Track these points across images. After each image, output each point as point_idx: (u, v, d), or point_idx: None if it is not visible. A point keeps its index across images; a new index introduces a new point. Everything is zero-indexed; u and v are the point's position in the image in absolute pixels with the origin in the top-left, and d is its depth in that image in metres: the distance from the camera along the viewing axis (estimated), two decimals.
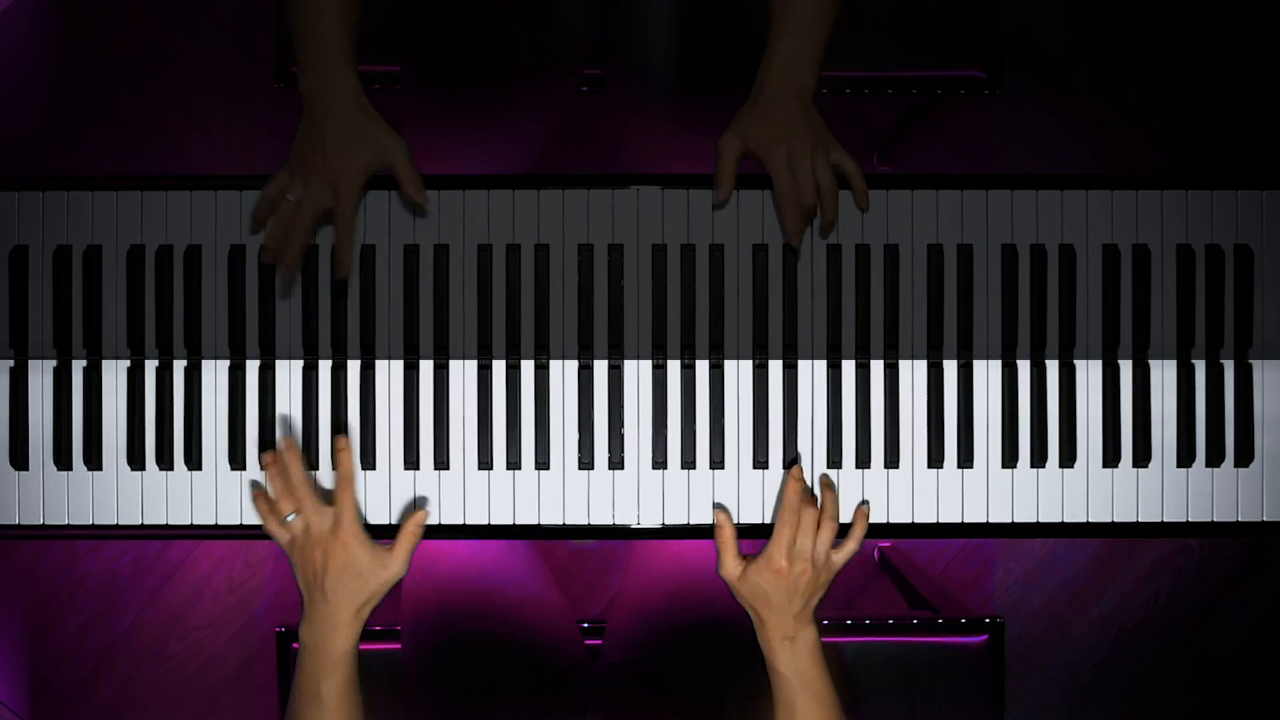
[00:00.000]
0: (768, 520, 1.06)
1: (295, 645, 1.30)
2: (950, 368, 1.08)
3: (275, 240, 1.01)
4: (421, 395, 1.06)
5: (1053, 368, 1.08)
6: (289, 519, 0.98)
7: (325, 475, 1.06)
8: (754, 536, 1.05)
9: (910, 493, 1.07)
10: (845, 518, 1.06)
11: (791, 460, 1.07)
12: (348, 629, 0.96)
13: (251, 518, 1.06)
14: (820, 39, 1.03)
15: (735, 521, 1.07)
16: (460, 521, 1.07)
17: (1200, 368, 1.08)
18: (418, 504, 1.06)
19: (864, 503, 1.06)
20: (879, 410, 1.07)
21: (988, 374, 1.08)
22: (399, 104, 1.27)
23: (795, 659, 0.97)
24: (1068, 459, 1.07)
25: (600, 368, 1.07)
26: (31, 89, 1.88)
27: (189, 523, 1.06)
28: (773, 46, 1.03)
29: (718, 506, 1.06)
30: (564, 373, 1.07)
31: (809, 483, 1.07)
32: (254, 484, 1.06)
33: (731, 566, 1.00)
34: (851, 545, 1.01)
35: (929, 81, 1.42)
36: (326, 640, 0.96)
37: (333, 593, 0.96)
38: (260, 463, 1.03)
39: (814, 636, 0.98)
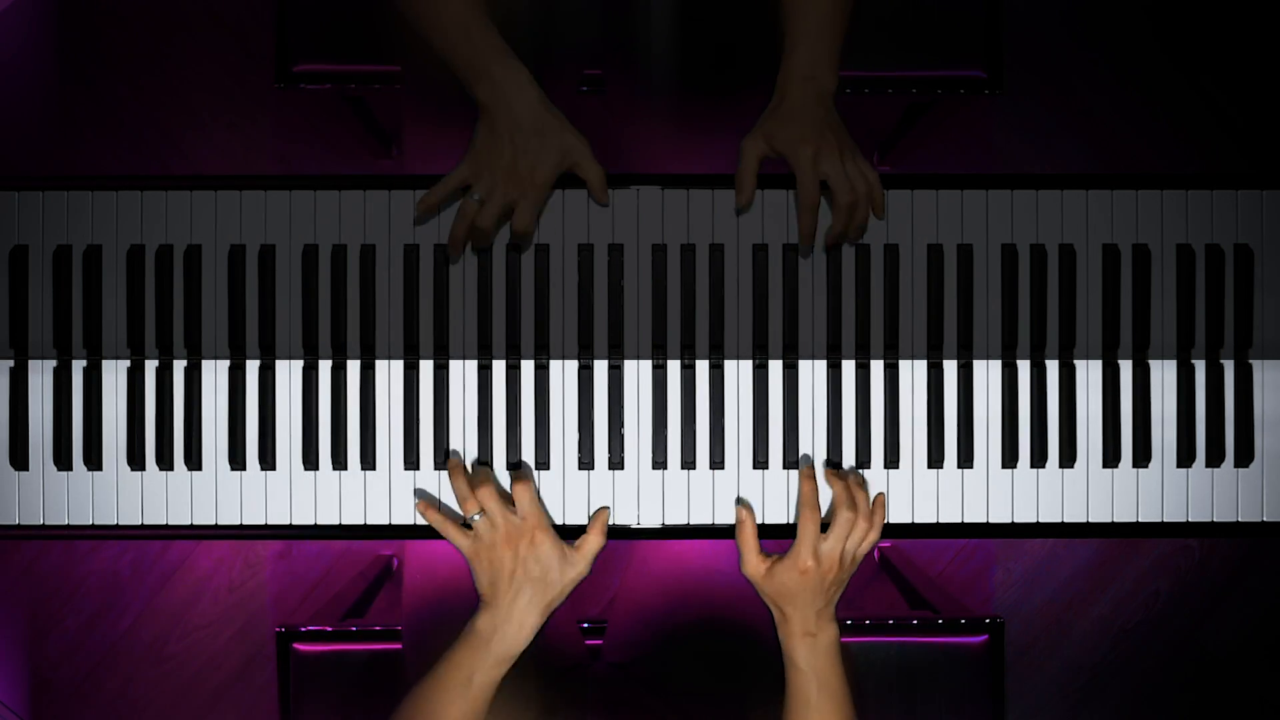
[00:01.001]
0: (768, 521, 1.06)
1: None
2: (950, 368, 1.08)
3: (458, 237, 1.03)
4: (421, 395, 1.06)
5: (1053, 368, 1.08)
6: (473, 519, 0.98)
7: (326, 476, 1.06)
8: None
9: (910, 493, 1.07)
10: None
11: (828, 464, 1.06)
12: (529, 630, 0.97)
13: (251, 518, 1.06)
14: (837, 40, 1.03)
15: (736, 522, 1.06)
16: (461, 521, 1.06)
17: (1200, 368, 1.08)
18: (605, 507, 1.05)
19: (879, 493, 1.06)
20: (879, 410, 1.07)
21: (988, 374, 1.08)
22: (400, 104, 1.27)
23: (815, 655, 0.97)
24: (1068, 459, 1.07)
25: (600, 368, 1.07)
26: (31, 89, 1.88)
27: (189, 523, 1.06)
28: (791, 51, 1.03)
29: (740, 502, 1.06)
30: (564, 373, 1.07)
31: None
32: (419, 493, 1.05)
33: (755, 564, 0.99)
34: (873, 535, 1.01)
35: (929, 81, 1.42)
36: (504, 637, 0.96)
37: (523, 592, 0.96)
38: (448, 466, 1.03)
39: (835, 634, 0.98)
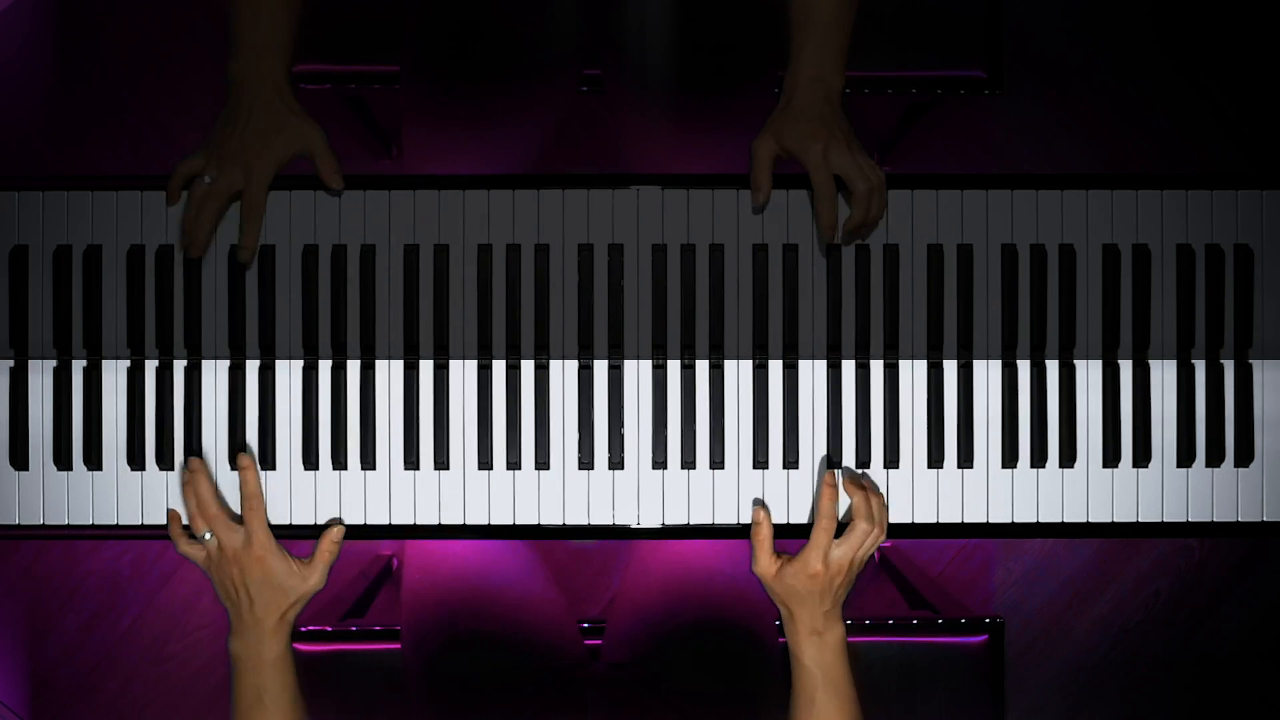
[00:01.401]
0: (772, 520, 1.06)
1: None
2: (950, 368, 1.08)
3: (189, 220, 1.03)
4: (421, 395, 1.06)
5: (1053, 368, 1.08)
6: (205, 537, 1.00)
7: (326, 476, 1.06)
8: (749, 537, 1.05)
9: (910, 493, 1.07)
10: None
11: (826, 461, 1.06)
12: (275, 636, 0.98)
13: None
14: (844, 41, 1.05)
15: (736, 522, 1.07)
16: (460, 521, 1.06)
17: (1200, 368, 1.08)
18: (335, 520, 1.06)
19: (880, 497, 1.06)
20: (879, 410, 1.07)
21: (988, 374, 1.08)
22: (399, 104, 1.27)
23: (821, 653, 0.98)
24: (1068, 459, 1.07)
25: (600, 368, 1.07)
26: (31, 89, 1.88)
27: (189, 523, 1.06)
28: (798, 53, 1.04)
29: (757, 503, 1.06)
30: (564, 373, 1.07)
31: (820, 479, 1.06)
32: (170, 509, 1.05)
33: (766, 564, 1.00)
34: (878, 533, 1.01)
35: (929, 81, 1.42)
36: (257, 650, 0.98)
37: (254, 605, 0.98)
38: (181, 479, 1.04)
39: (841, 633, 1.00)
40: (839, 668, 0.99)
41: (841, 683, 0.99)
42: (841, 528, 1.01)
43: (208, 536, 1.00)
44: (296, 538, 1.04)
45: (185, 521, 1.04)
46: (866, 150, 1.04)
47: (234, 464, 1.05)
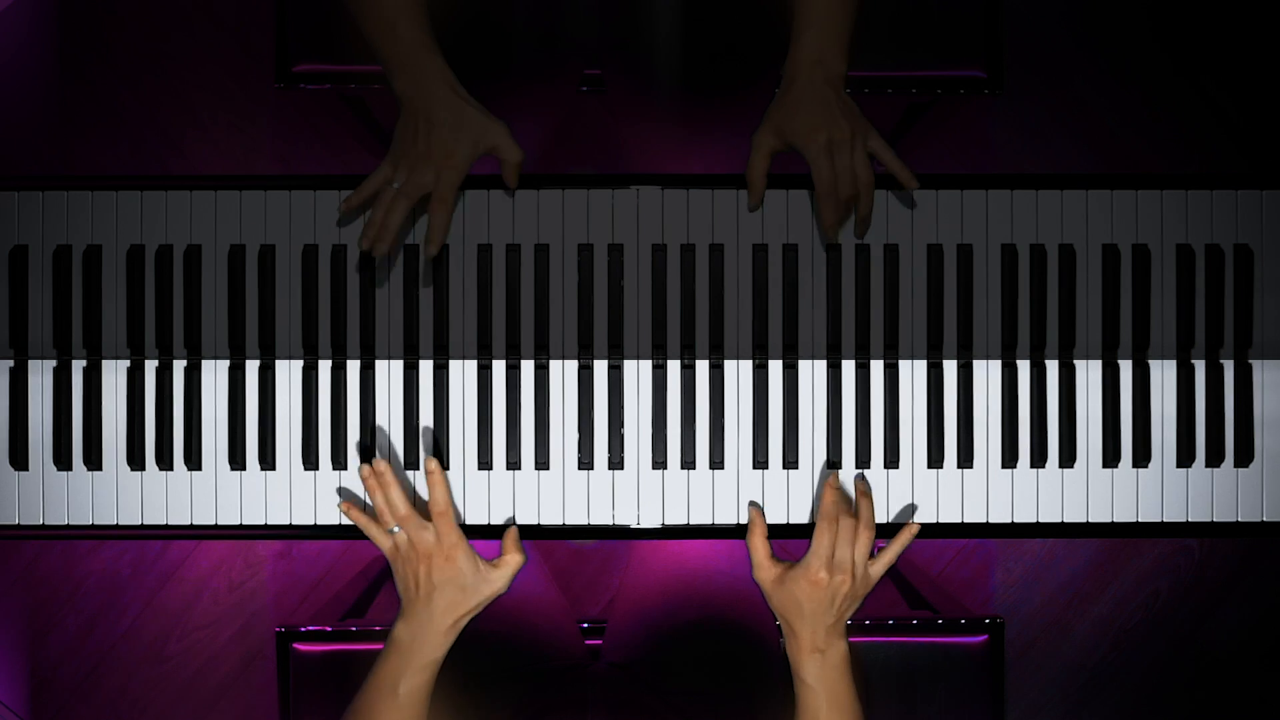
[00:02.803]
0: (768, 521, 1.06)
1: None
2: (950, 368, 1.08)
3: (375, 225, 1.02)
4: (421, 395, 1.06)
5: (1053, 368, 1.08)
6: (393, 530, 0.99)
7: (325, 476, 1.06)
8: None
9: (910, 493, 1.07)
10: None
11: (828, 464, 1.06)
12: (443, 638, 0.97)
13: (251, 518, 1.06)
14: (847, 25, 1.02)
15: (736, 522, 1.07)
16: (460, 521, 1.06)
17: (1200, 368, 1.08)
18: (509, 522, 1.06)
19: (912, 520, 1.05)
20: (879, 410, 1.07)
21: (988, 374, 1.08)
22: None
23: (824, 671, 0.96)
24: (1068, 459, 1.07)
25: (600, 368, 1.07)
26: (31, 89, 1.88)
27: (189, 523, 1.06)
28: (798, 38, 1.01)
29: (753, 505, 1.06)
30: (564, 373, 1.07)
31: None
32: (342, 492, 1.05)
33: (767, 569, 0.99)
34: (889, 557, 0.99)
35: (929, 81, 1.42)
36: (421, 644, 0.96)
37: (435, 604, 0.96)
38: (360, 474, 1.02)
39: (844, 650, 0.97)
40: (842, 686, 0.97)
41: (846, 701, 0.97)
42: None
43: (396, 530, 0.99)
44: (297, 538, 1.05)
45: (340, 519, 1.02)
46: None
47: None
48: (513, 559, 1.00)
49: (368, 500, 1.06)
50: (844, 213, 1.02)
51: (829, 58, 1.01)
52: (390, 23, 1.00)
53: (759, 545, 1.00)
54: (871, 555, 1.00)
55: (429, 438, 1.06)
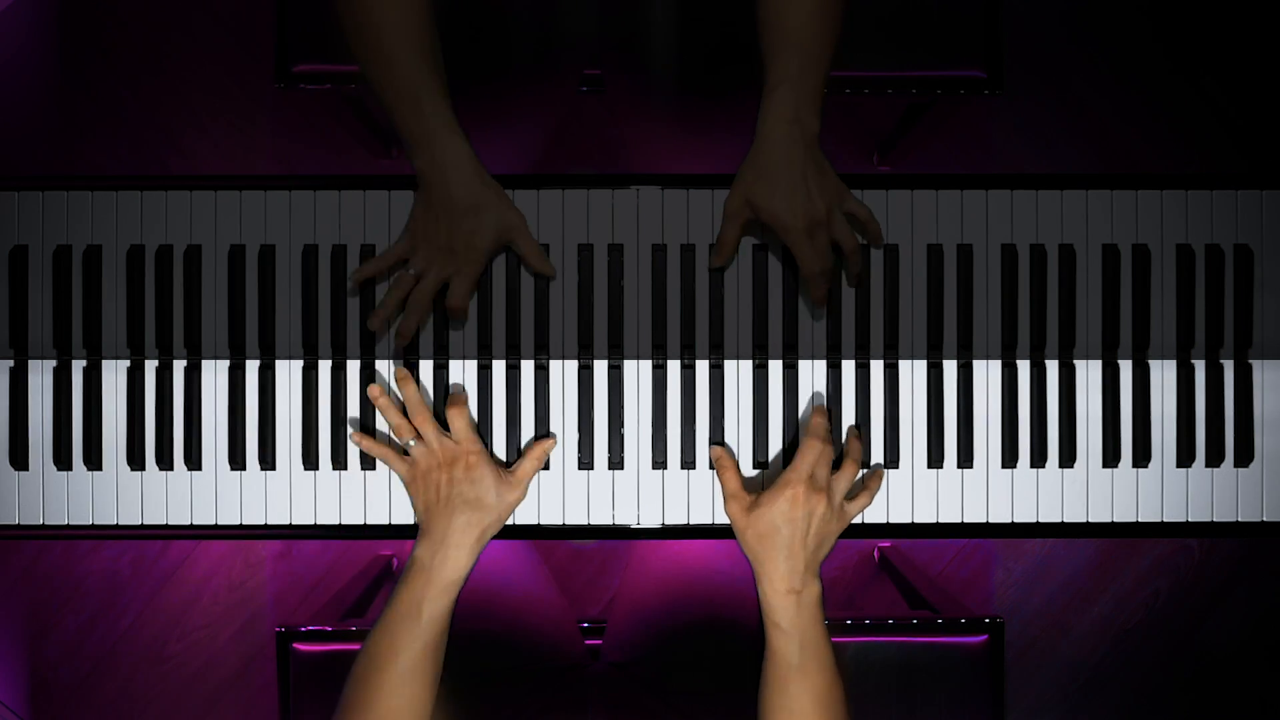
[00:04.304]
0: None
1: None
2: (950, 368, 1.08)
3: (390, 309, 1.02)
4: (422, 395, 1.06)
5: (1053, 368, 1.08)
6: (409, 445, 0.99)
7: (325, 476, 1.06)
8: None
9: (910, 493, 1.07)
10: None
11: (832, 398, 1.06)
12: (468, 553, 0.96)
13: (251, 517, 1.06)
14: (822, 81, 0.97)
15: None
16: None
17: (1200, 368, 1.08)
18: (539, 439, 1.05)
19: (879, 465, 1.06)
20: (879, 410, 1.07)
21: (988, 374, 1.08)
22: None
23: (799, 614, 0.93)
24: (1068, 459, 1.07)
25: (600, 368, 1.07)
26: (31, 89, 1.88)
27: (189, 523, 1.06)
28: (772, 92, 0.96)
29: (715, 443, 1.05)
30: (564, 373, 1.07)
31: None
32: (353, 422, 1.05)
33: (740, 498, 0.97)
34: (865, 499, 1.00)
35: (929, 81, 1.42)
36: (444, 560, 0.95)
37: (456, 519, 0.96)
38: (369, 393, 1.03)
39: (818, 591, 0.94)
40: (817, 630, 0.93)
41: (820, 644, 0.93)
42: None
43: (413, 444, 0.99)
44: (297, 538, 1.04)
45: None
46: (865, 150, 1.03)
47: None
48: (529, 464, 1.00)
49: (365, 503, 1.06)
50: (831, 281, 1.02)
51: (805, 116, 0.96)
52: (414, 97, 0.96)
53: (730, 478, 0.99)
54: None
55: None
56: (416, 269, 1.00)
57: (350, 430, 1.05)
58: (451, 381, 1.04)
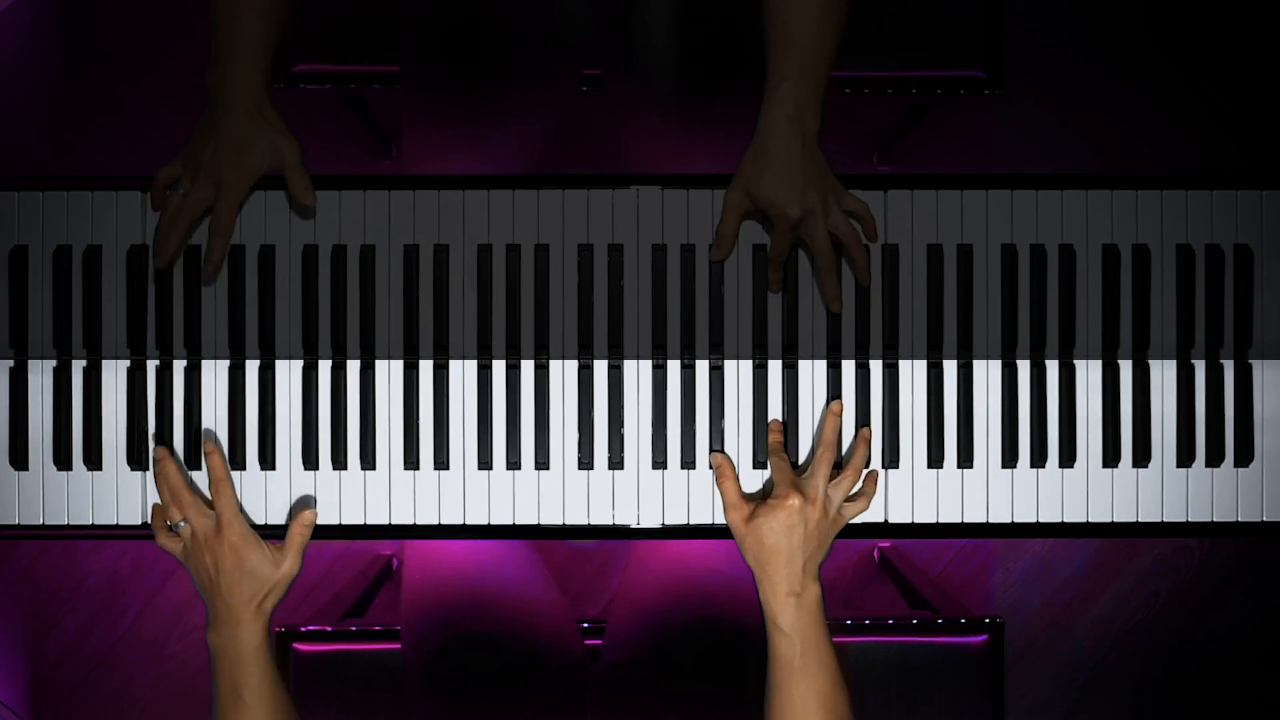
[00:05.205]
0: None
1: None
2: (950, 368, 1.08)
3: (161, 232, 1.02)
4: (421, 395, 1.06)
5: (1053, 368, 1.08)
6: (179, 525, 0.99)
7: (325, 476, 1.06)
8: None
9: (910, 493, 1.07)
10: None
11: (832, 398, 1.07)
12: (251, 625, 0.96)
13: (252, 517, 1.06)
14: (823, 79, 0.99)
15: None
16: (460, 521, 1.06)
17: (1200, 368, 1.08)
18: (306, 502, 1.06)
19: (874, 470, 1.07)
20: (879, 410, 1.07)
21: (988, 374, 1.08)
22: (399, 104, 1.27)
23: (800, 616, 0.95)
24: (1067, 459, 1.07)
25: (600, 368, 1.07)
26: (31, 89, 1.88)
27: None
28: (774, 90, 0.99)
29: (715, 451, 1.06)
30: (564, 373, 1.07)
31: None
32: (155, 503, 1.05)
33: (740, 508, 0.99)
34: (863, 503, 1.01)
35: (929, 81, 1.42)
36: (233, 639, 0.96)
37: (229, 593, 0.96)
38: (154, 456, 1.04)
39: (818, 593, 0.96)
40: (818, 631, 0.95)
41: (823, 647, 0.95)
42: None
43: (182, 524, 0.99)
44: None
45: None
46: (866, 150, 1.03)
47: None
48: (295, 537, 1.00)
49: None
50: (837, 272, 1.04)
51: (806, 114, 0.98)
52: (233, 14, 1.00)
53: (730, 488, 1.01)
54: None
55: (429, 437, 1.06)
56: (185, 188, 1.01)
57: (153, 504, 1.05)
58: (203, 441, 1.03)
